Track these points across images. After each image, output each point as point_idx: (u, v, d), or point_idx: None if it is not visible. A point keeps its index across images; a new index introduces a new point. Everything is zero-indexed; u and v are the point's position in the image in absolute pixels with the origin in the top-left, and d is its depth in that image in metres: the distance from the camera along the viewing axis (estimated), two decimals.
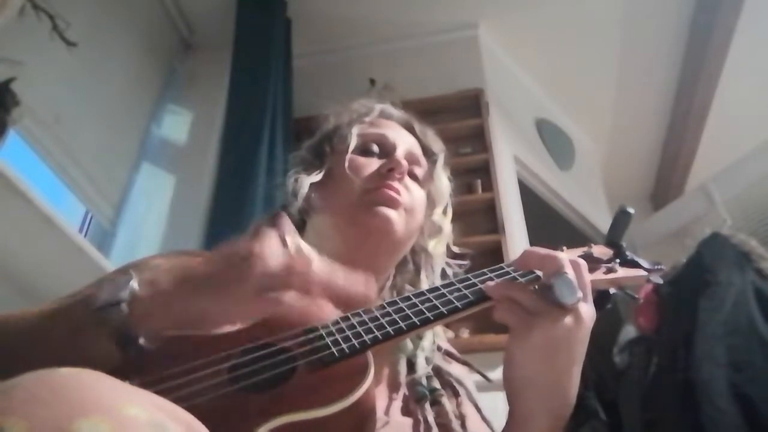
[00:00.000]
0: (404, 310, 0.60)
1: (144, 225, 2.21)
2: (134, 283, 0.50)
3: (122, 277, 0.51)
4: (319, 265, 0.52)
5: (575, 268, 0.59)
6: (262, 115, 2.26)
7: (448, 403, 0.71)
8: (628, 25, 2.95)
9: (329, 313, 0.55)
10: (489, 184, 2.33)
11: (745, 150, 2.48)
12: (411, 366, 0.75)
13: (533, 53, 3.07)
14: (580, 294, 0.57)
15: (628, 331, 1.69)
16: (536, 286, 0.61)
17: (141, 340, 0.48)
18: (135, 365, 0.47)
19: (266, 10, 2.55)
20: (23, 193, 1.29)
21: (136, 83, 2.47)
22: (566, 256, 0.61)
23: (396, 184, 0.77)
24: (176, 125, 2.55)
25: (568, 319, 0.56)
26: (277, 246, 0.51)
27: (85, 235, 2.10)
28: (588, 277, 0.60)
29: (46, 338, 0.50)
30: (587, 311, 0.58)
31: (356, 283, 0.54)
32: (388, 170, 0.78)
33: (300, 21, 2.73)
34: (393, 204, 0.76)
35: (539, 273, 0.62)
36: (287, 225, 0.54)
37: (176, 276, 0.51)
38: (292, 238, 0.52)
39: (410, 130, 0.89)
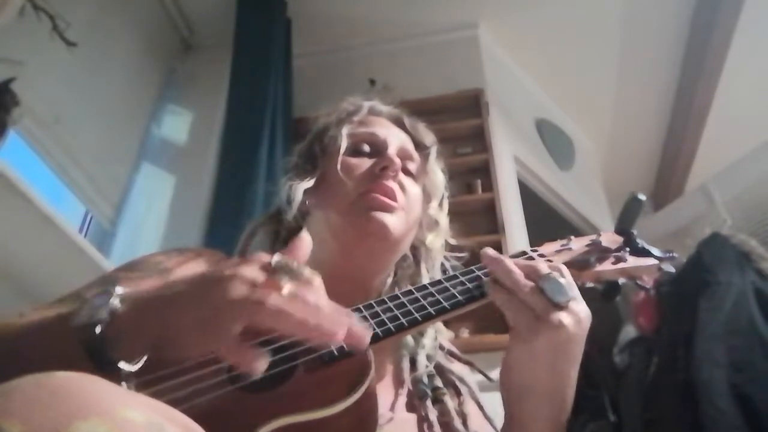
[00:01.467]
0: (406, 306, 0.59)
1: (144, 225, 2.21)
2: (115, 301, 0.47)
3: (103, 294, 0.48)
4: (294, 295, 0.44)
5: (557, 272, 0.59)
6: (262, 115, 2.26)
7: (450, 402, 0.71)
8: (628, 25, 2.95)
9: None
10: (489, 184, 2.33)
11: (745, 150, 2.47)
12: (414, 363, 0.75)
13: (533, 53, 3.07)
14: (570, 293, 0.57)
15: (628, 331, 1.69)
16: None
17: (120, 363, 0.44)
18: None
19: (266, 10, 2.55)
20: (23, 193, 1.29)
21: (136, 83, 2.47)
22: (543, 262, 0.61)
23: (390, 183, 0.76)
24: (176, 125, 2.55)
25: (569, 320, 0.56)
26: (252, 272, 0.45)
27: (85, 235, 2.10)
28: (572, 279, 0.60)
29: (28, 351, 0.49)
30: (583, 310, 0.58)
31: (334, 322, 0.45)
32: (381, 169, 0.76)
33: (300, 21, 2.73)
34: (388, 208, 0.75)
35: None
36: (302, 246, 0.50)
37: (155, 294, 0.48)
38: (298, 260, 0.48)
39: (400, 125, 0.87)
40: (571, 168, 3.21)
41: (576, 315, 0.57)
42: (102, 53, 2.21)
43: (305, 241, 0.51)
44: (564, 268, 0.61)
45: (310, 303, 0.44)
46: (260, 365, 0.43)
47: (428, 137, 0.88)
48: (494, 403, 0.77)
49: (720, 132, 3.20)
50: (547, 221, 2.84)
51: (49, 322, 0.51)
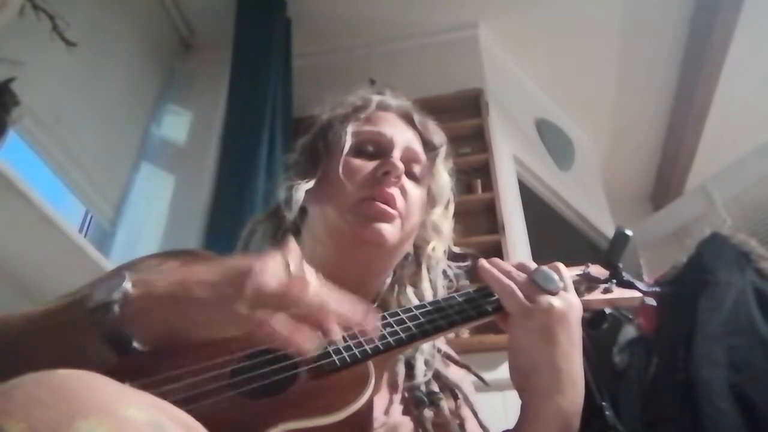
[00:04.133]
0: (405, 322, 0.61)
1: (144, 225, 2.21)
2: (128, 284, 0.49)
3: (117, 277, 0.50)
4: (320, 291, 0.49)
5: (553, 268, 0.67)
6: (262, 115, 2.26)
7: (446, 406, 0.71)
8: (628, 25, 2.95)
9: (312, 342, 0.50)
10: (489, 184, 2.33)
11: (745, 150, 2.48)
12: (410, 367, 0.75)
13: (533, 53, 3.07)
14: (560, 283, 0.65)
15: (628, 331, 1.69)
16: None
17: (134, 343, 0.47)
18: (134, 366, 0.46)
19: (266, 10, 2.55)
20: (23, 193, 1.29)
21: (136, 83, 2.47)
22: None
23: (391, 190, 0.75)
24: (176, 125, 2.55)
25: (559, 303, 0.63)
26: (279, 266, 0.48)
27: (85, 235, 2.10)
28: (567, 274, 0.68)
29: (42, 339, 0.50)
30: (575, 299, 0.65)
31: (357, 312, 0.51)
32: (383, 174, 0.75)
33: (300, 21, 2.72)
34: (386, 218, 0.74)
35: None
36: (294, 250, 0.51)
37: (172, 280, 0.49)
38: (297, 262, 0.50)
39: (410, 121, 0.85)
40: (571, 168, 3.20)
41: (566, 300, 0.64)
42: (102, 53, 2.20)
43: (294, 249, 0.52)
44: (560, 265, 0.68)
45: (336, 301, 0.49)
46: (311, 344, 0.47)
47: (437, 136, 0.87)
48: (491, 404, 0.77)
49: (720, 132, 3.20)
50: (547, 221, 2.84)
51: (59, 306, 0.52)
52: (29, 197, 1.30)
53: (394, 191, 0.76)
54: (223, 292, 0.47)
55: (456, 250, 0.86)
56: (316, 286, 0.48)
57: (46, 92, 1.89)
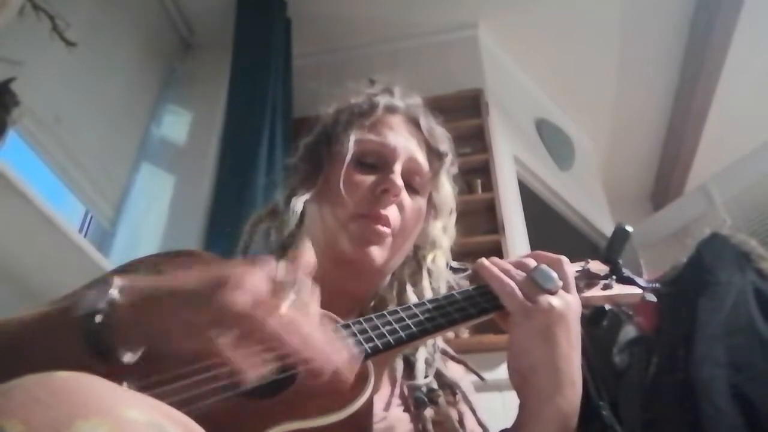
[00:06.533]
0: (405, 320, 0.61)
1: (144, 225, 2.21)
2: (114, 291, 0.47)
3: (104, 284, 0.48)
4: (292, 318, 0.44)
5: (555, 264, 0.66)
6: (262, 115, 2.26)
7: (445, 404, 0.72)
8: (628, 25, 2.95)
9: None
10: (489, 184, 2.33)
11: (745, 150, 2.48)
12: (408, 363, 0.76)
13: (533, 53, 3.07)
14: (559, 282, 0.64)
15: (628, 331, 1.69)
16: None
17: (121, 353, 0.45)
18: (132, 369, 0.46)
19: (266, 10, 2.55)
20: (23, 193, 1.29)
21: (136, 83, 2.47)
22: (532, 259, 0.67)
23: (387, 211, 0.74)
24: (176, 125, 2.55)
25: (558, 302, 0.62)
26: (260, 280, 0.44)
27: (85, 235, 2.10)
28: (569, 270, 0.67)
29: (28, 346, 0.49)
30: (573, 299, 0.65)
31: (329, 352, 0.45)
32: (382, 192, 0.75)
33: (300, 21, 2.73)
34: (379, 240, 0.74)
35: None
36: (306, 262, 0.49)
37: (152, 285, 0.48)
38: (297, 274, 0.47)
39: (416, 125, 0.83)
40: (571, 168, 3.21)
41: (565, 299, 0.63)
42: (102, 53, 2.20)
43: (310, 259, 0.50)
44: (564, 260, 0.67)
45: (303, 333, 0.44)
46: (253, 375, 0.42)
47: (443, 144, 0.84)
48: (489, 403, 0.77)
49: (720, 132, 3.20)
50: (547, 221, 2.84)
51: (49, 314, 0.51)
52: (29, 197, 1.30)
53: (390, 210, 0.75)
54: (189, 303, 0.44)
55: (454, 264, 0.85)
56: (291, 312, 0.44)
57: (46, 92, 1.89)
